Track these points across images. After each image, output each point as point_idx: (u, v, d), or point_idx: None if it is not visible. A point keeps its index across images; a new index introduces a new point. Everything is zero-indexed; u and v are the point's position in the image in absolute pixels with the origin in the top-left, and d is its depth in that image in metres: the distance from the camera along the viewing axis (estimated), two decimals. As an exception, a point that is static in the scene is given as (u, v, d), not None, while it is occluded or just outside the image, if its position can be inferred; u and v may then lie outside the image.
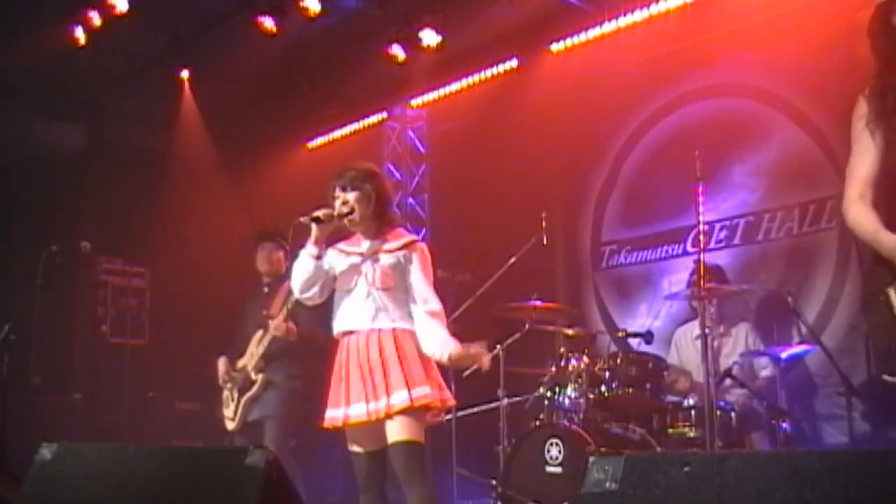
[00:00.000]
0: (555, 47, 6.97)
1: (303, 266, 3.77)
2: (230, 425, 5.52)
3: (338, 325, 3.79)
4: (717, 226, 6.30)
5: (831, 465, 1.76)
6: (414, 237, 3.91)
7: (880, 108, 2.67)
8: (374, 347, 3.64)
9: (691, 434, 5.02)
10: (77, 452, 2.76)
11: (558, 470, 4.76)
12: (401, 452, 3.58)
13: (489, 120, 7.56)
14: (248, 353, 5.51)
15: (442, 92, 7.84)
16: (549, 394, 5.24)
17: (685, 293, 5.57)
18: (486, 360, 3.78)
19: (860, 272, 5.17)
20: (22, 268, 5.44)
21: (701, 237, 4.81)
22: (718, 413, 4.78)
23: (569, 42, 6.87)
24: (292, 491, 2.38)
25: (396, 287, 3.71)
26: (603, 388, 5.16)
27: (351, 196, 3.75)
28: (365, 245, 3.81)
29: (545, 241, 5.70)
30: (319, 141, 8.82)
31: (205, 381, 6.08)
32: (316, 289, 3.81)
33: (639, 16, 6.39)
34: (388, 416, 3.56)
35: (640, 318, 6.70)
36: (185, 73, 7.61)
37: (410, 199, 8.63)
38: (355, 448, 3.73)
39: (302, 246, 3.79)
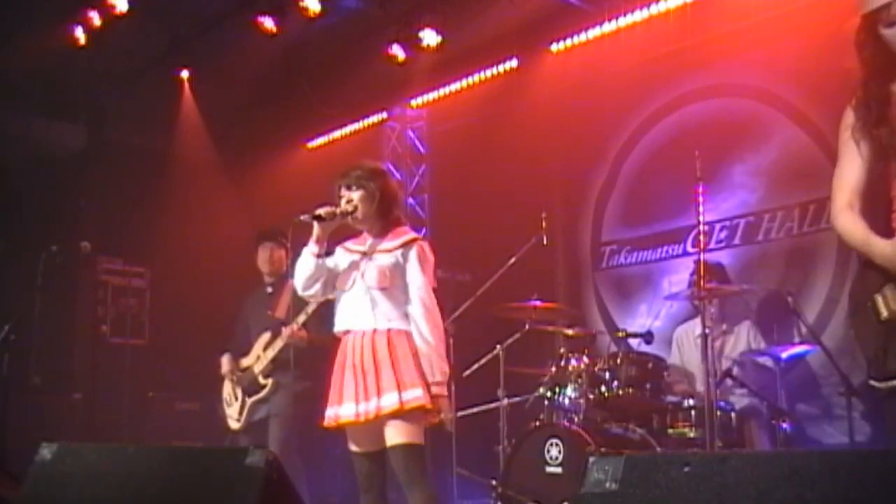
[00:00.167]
0: (555, 47, 6.97)
1: (304, 264, 3.78)
2: (234, 424, 5.52)
3: (337, 324, 3.80)
4: (718, 226, 6.30)
5: (831, 465, 1.75)
6: (414, 235, 3.85)
7: (866, 117, 2.69)
8: (368, 348, 3.63)
9: (691, 434, 5.03)
10: (77, 452, 2.76)
11: (558, 470, 4.76)
12: (400, 455, 3.57)
13: (489, 120, 7.56)
14: (254, 354, 5.49)
15: (442, 92, 7.85)
16: (549, 394, 5.24)
17: (685, 293, 5.57)
18: (444, 420, 3.70)
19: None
20: (22, 268, 5.43)
21: (701, 237, 4.80)
22: (718, 413, 4.78)
23: (569, 42, 6.87)
24: (292, 491, 2.38)
25: (393, 286, 3.68)
26: (603, 388, 5.15)
27: (355, 195, 3.75)
28: (368, 244, 3.82)
29: (545, 241, 5.70)
30: (319, 141, 8.82)
31: (205, 381, 6.09)
32: (318, 286, 3.81)
33: (639, 16, 6.39)
34: (378, 417, 3.56)
35: (641, 319, 6.70)
36: (185, 73, 7.62)
37: (410, 199, 8.63)
38: (355, 448, 3.73)
39: (303, 244, 3.79)
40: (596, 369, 5.20)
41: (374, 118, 8.51)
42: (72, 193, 8.17)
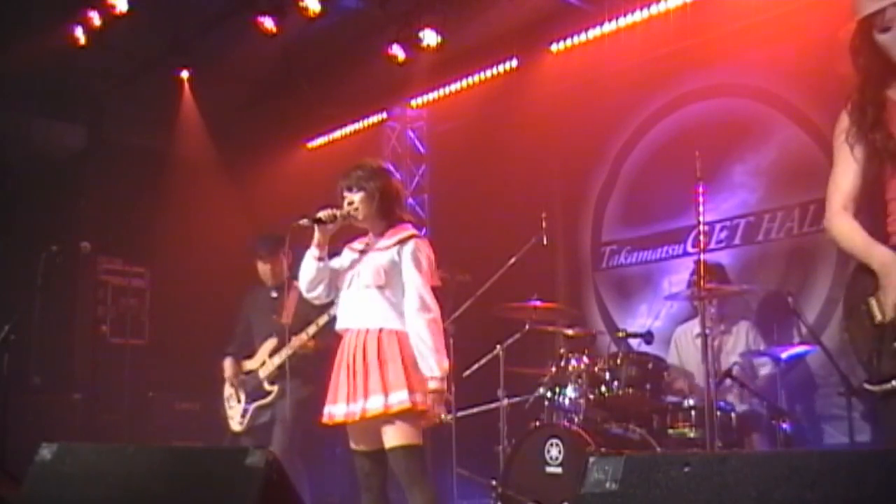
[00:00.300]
0: (555, 47, 6.97)
1: (307, 268, 3.80)
2: (236, 426, 5.51)
3: (338, 323, 3.83)
4: (718, 226, 6.30)
5: (831, 465, 1.75)
6: (411, 232, 3.80)
7: (860, 122, 2.70)
8: (360, 348, 3.65)
9: (691, 434, 5.02)
10: (77, 452, 2.76)
11: (558, 470, 4.76)
12: (400, 457, 3.58)
13: (489, 120, 7.56)
14: (259, 358, 5.48)
15: (442, 92, 7.84)
16: (549, 394, 5.24)
17: (685, 293, 5.57)
18: (436, 414, 3.66)
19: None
20: (22, 268, 5.43)
21: (701, 237, 4.80)
22: (718, 413, 4.78)
23: (569, 42, 6.87)
24: (292, 491, 2.38)
25: (388, 285, 3.68)
26: (603, 388, 5.15)
27: (356, 196, 3.75)
28: (368, 242, 3.83)
29: (545, 241, 5.70)
30: (319, 141, 8.82)
31: (205, 381, 6.08)
32: (321, 288, 3.84)
33: (639, 16, 6.39)
34: (363, 419, 3.57)
35: (641, 319, 6.70)
36: (185, 73, 7.61)
37: (410, 199, 8.62)
38: (355, 446, 3.75)
39: (303, 244, 3.80)
40: (596, 369, 5.20)
41: (374, 118, 8.50)
42: (72, 193, 8.17)
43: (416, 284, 3.68)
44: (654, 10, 6.31)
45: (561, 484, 4.68)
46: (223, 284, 6.96)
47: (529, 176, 7.31)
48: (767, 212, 6.12)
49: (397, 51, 6.78)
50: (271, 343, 5.41)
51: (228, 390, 5.59)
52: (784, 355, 5.20)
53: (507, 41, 7.17)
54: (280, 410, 5.34)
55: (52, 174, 8.06)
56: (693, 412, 5.07)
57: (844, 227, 2.72)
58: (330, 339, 4.39)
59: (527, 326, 5.51)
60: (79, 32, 6.84)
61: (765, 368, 5.48)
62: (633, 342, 5.57)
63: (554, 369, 5.29)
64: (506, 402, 5.42)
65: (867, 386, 2.60)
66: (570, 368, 5.20)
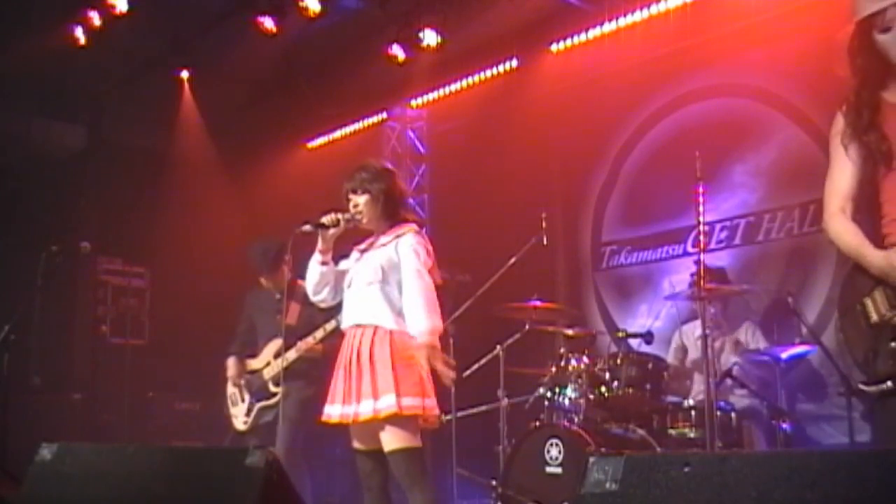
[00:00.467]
0: (555, 47, 6.97)
1: (312, 273, 3.84)
2: (240, 426, 5.51)
3: (342, 322, 3.84)
4: (718, 226, 6.30)
5: (831, 465, 1.75)
6: (409, 227, 3.78)
7: (856, 123, 2.71)
8: (355, 349, 3.65)
9: (691, 434, 5.02)
10: (77, 452, 2.76)
11: (558, 470, 4.75)
12: (399, 460, 3.58)
13: (489, 120, 7.56)
14: (264, 359, 5.47)
15: (442, 92, 7.85)
16: (549, 394, 5.23)
17: (685, 293, 5.57)
18: (445, 376, 3.62)
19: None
20: (22, 268, 5.43)
21: (701, 237, 4.80)
22: (718, 413, 4.78)
23: (569, 42, 6.88)
24: (292, 491, 2.38)
25: (387, 282, 3.67)
26: (603, 388, 5.15)
27: (361, 199, 3.76)
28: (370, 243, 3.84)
29: (545, 241, 5.70)
30: (319, 141, 8.82)
31: (205, 381, 6.08)
32: (327, 291, 3.86)
33: (639, 16, 6.39)
34: (356, 423, 3.58)
35: (641, 319, 6.70)
36: (185, 73, 7.62)
37: (410, 199, 8.61)
38: (357, 445, 3.75)
39: (304, 249, 3.82)
40: (596, 369, 5.19)
41: (374, 118, 8.51)
42: (72, 193, 8.18)
43: (415, 269, 3.65)
44: (654, 10, 6.31)
45: (561, 484, 4.67)
46: (223, 284, 6.96)
47: (529, 176, 7.31)
48: (767, 212, 6.12)
49: (397, 51, 6.78)
50: (276, 344, 5.41)
51: (232, 389, 5.59)
52: (784, 355, 5.20)
53: (507, 41, 7.17)
54: (284, 412, 5.33)
55: (52, 174, 8.07)
56: (693, 412, 5.07)
57: (840, 229, 2.73)
58: (334, 339, 4.39)
59: (527, 326, 5.51)
60: (79, 32, 6.85)
61: (765, 368, 5.47)
62: (633, 342, 5.56)
63: (554, 369, 5.28)
64: (506, 402, 5.42)
65: (863, 387, 2.60)
66: (570, 368, 5.20)
